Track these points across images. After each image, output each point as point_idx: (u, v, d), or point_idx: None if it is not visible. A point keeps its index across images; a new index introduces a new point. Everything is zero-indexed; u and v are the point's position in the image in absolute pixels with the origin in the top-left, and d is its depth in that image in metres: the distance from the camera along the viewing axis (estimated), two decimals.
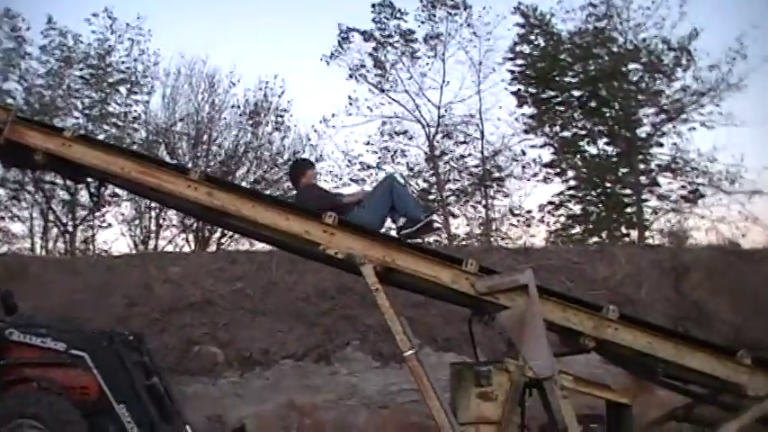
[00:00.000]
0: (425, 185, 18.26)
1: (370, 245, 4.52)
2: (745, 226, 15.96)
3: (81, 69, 15.40)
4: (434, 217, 5.77)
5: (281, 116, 16.44)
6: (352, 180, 17.68)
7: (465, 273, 4.42)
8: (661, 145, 17.81)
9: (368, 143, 18.51)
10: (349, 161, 18.24)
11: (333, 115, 17.87)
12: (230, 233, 13.19)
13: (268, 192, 13.89)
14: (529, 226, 18.78)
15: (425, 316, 8.58)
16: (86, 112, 15.28)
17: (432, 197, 17.85)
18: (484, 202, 18.46)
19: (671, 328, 7.58)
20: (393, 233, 5.19)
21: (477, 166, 18.66)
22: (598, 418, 4.63)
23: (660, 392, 6.13)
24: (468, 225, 18.83)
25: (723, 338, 8.90)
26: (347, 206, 5.30)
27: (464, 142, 18.71)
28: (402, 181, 6.29)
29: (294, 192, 6.11)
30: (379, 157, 18.41)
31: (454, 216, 18.43)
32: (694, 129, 17.42)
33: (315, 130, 17.31)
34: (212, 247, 14.22)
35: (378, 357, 8.67)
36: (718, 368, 4.29)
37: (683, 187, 17.73)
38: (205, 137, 15.53)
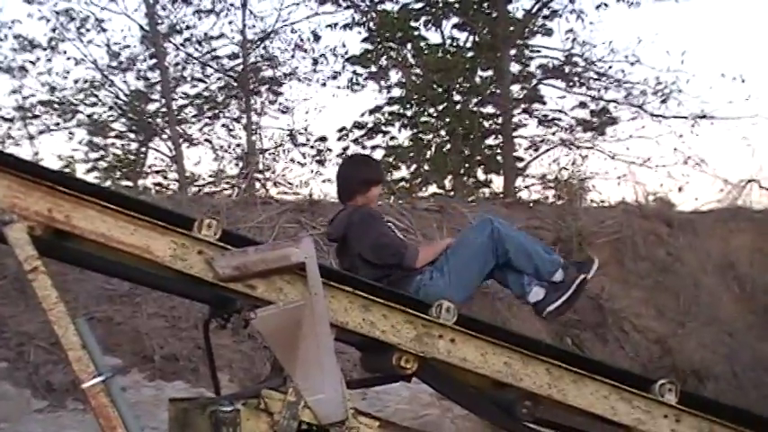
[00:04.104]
0: (141, 86, 16.25)
1: (21, 186, 3.58)
2: (684, 174, 14.54)
3: None
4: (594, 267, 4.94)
5: None
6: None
7: (197, 242, 3.65)
8: (548, 33, 16.28)
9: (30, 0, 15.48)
10: None
11: None
12: None
13: None
14: (321, 163, 16.75)
15: (132, 317, 7.46)
16: None
17: (152, 107, 16.24)
18: (244, 119, 16.34)
19: (549, 341, 7.46)
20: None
21: (233, 58, 16.32)
22: None
23: None
24: (216, 159, 16.74)
25: (640, 360, 8.95)
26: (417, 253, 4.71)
27: (212, 12, 16.00)
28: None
29: (340, 210, 5.03)
30: (55, 30, 15.66)
31: (192, 143, 16.55)
32: (605, 6, 15.80)
33: None
34: None
35: (42, 392, 7.03)
36: (621, 409, 3.82)
37: (583, 106, 16.35)
38: None
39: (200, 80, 16.15)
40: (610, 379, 3.89)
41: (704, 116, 15.30)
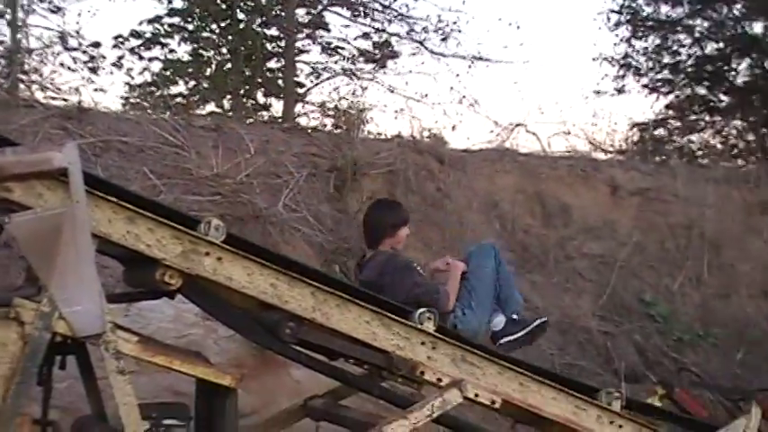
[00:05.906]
0: None
1: None
2: (459, 113, 14.95)
3: None
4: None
5: None
6: None
7: None
8: None
9: None
10: None
11: None
12: None
13: None
14: (93, 71, 15.95)
15: None
16: None
17: None
18: (9, 15, 15.44)
19: (317, 266, 7.44)
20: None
21: None
22: (179, 409, 4.04)
23: (296, 371, 5.70)
24: None
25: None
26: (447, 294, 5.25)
27: None
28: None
29: (370, 255, 5.47)
30: None
31: None
32: None
33: None
34: None
35: None
36: (381, 334, 3.88)
37: (366, 37, 16.15)
38: None
39: None
40: (372, 303, 3.94)
41: (480, 58, 15.93)
